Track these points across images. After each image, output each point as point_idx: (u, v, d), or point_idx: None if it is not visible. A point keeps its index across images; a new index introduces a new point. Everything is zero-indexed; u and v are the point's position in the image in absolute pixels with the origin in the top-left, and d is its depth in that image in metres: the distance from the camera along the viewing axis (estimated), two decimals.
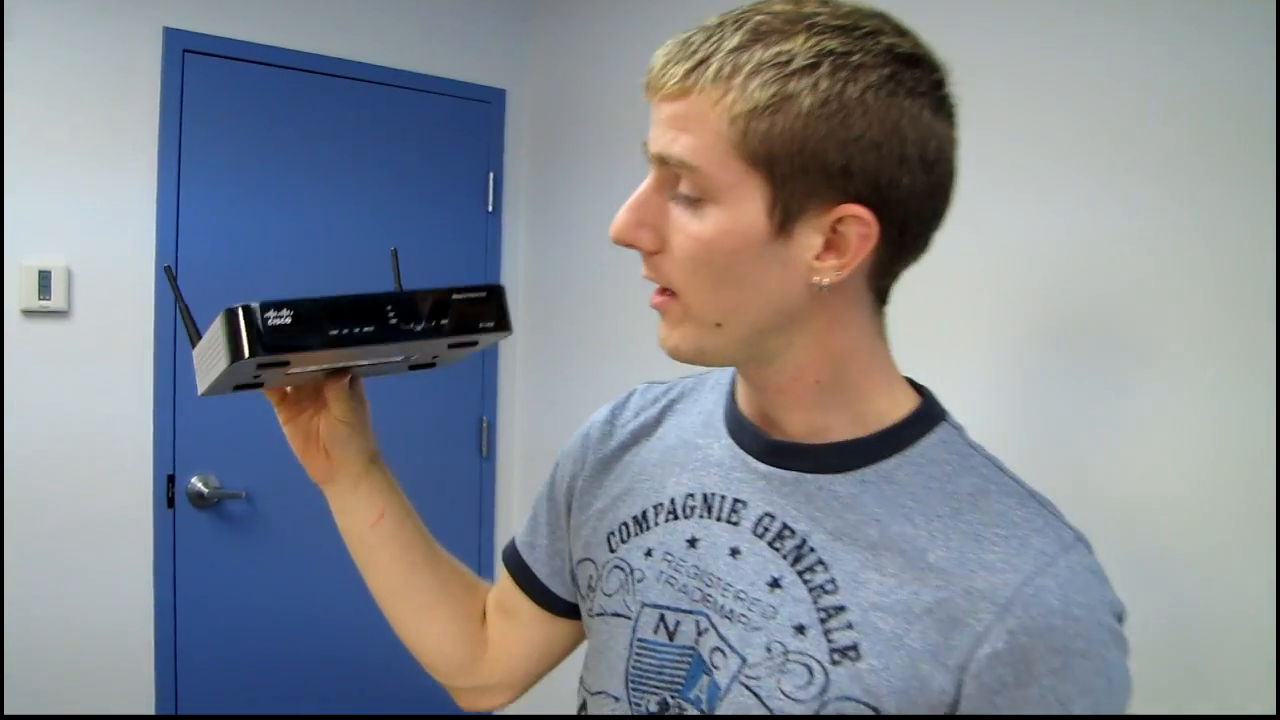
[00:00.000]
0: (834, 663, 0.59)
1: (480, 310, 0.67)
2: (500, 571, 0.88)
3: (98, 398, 2.02)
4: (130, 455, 2.07)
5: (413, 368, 0.76)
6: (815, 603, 0.61)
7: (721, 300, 0.61)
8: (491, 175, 2.54)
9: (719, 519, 0.68)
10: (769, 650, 0.62)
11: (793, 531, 0.64)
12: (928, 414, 0.66)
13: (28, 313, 1.94)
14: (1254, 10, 1.17)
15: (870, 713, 0.58)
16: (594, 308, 2.34)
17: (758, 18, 0.57)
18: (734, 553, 0.66)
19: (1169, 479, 1.27)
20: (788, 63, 0.55)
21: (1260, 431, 1.17)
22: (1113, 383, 1.33)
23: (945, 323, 1.46)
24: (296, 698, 2.26)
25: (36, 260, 1.94)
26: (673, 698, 0.66)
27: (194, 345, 0.72)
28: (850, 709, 0.58)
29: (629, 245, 0.63)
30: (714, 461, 0.71)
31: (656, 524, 0.72)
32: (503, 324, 0.68)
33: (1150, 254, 1.29)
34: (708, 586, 0.67)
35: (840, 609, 0.60)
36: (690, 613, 0.67)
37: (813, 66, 0.55)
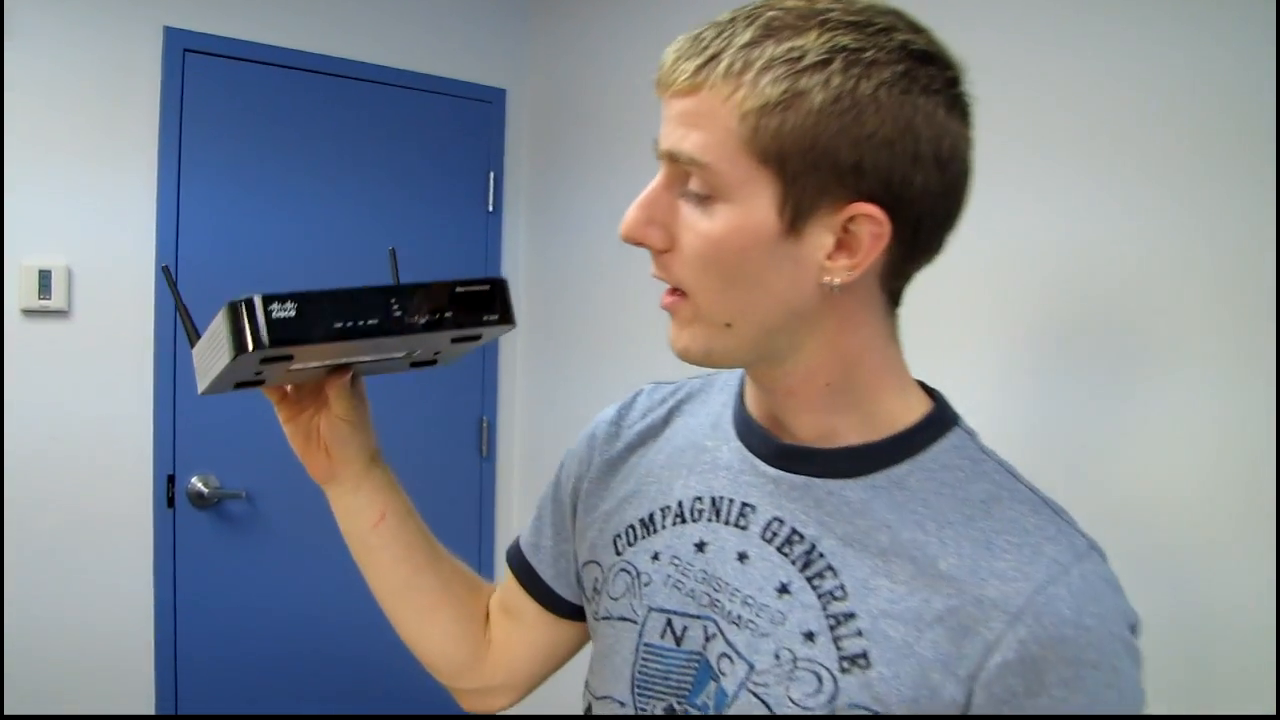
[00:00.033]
0: (843, 670, 0.58)
1: (483, 302, 0.67)
2: (504, 572, 0.88)
3: (98, 398, 2.02)
4: (130, 455, 2.07)
5: (414, 365, 0.76)
6: (824, 609, 0.60)
7: (731, 300, 0.60)
8: (491, 175, 2.54)
9: (727, 523, 0.67)
10: (777, 657, 0.61)
11: (802, 537, 0.63)
12: (940, 418, 0.65)
13: (28, 312, 1.94)
14: (1254, 10, 1.17)
15: None
16: (594, 307, 2.34)
17: (770, 13, 0.57)
18: (742, 557, 0.65)
19: (1169, 478, 1.27)
20: (799, 59, 0.55)
21: (1261, 431, 1.17)
22: (1114, 382, 1.33)
23: (944, 322, 1.46)
24: (296, 698, 2.26)
25: (36, 260, 1.94)
26: (679, 703, 0.66)
27: (193, 345, 0.71)
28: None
29: (638, 243, 0.62)
30: (722, 464, 0.70)
31: (664, 527, 0.71)
32: (506, 316, 0.68)
33: (1150, 254, 1.29)
34: (715, 591, 0.66)
35: (850, 616, 0.59)
36: (698, 618, 0.66)
37: (825, 63, 0.55)
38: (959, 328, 1.49)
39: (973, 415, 0.68)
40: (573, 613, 0.82)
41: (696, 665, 0.66)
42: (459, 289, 0.66)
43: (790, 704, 0.59)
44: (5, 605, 1.90)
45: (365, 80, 2.32)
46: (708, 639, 0.65)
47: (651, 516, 0.73)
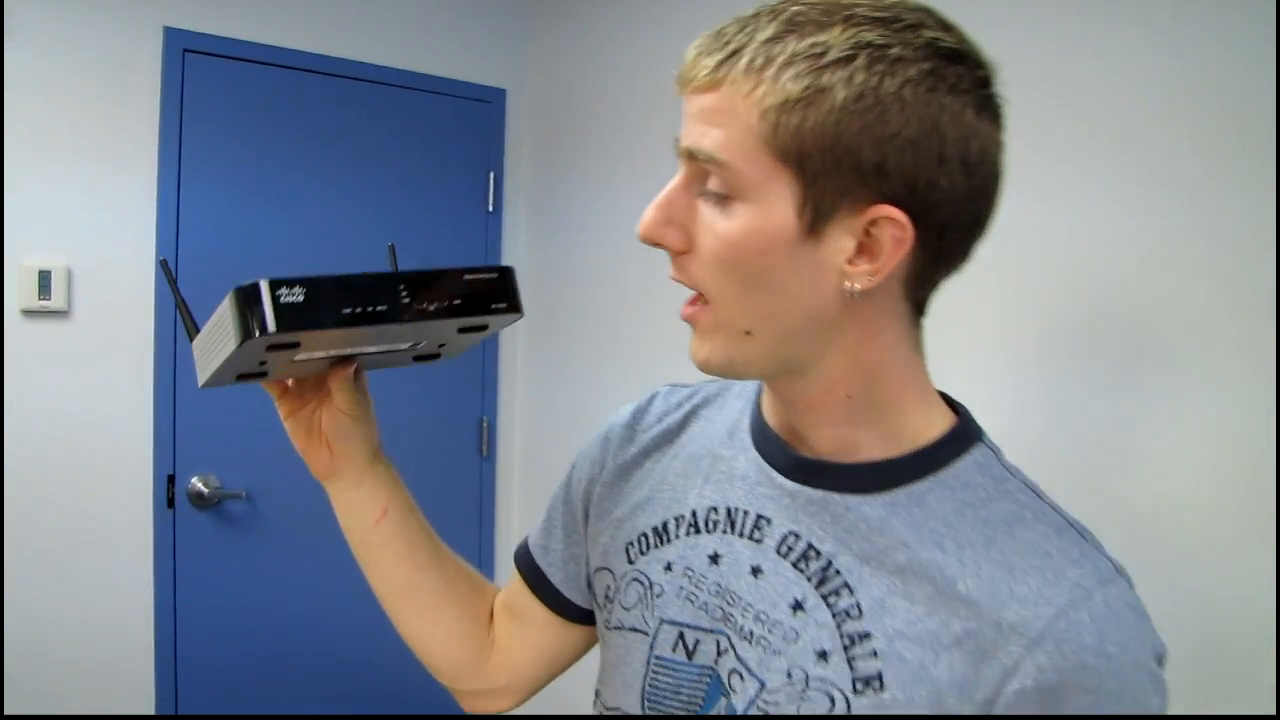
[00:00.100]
0: (856, 692, 0.57)
1: (491, 290, 0.66)
2: (509, 573, 0.87)
3: (98, 398, 2.02)
4: (130, 455, 2.06)
5: (417, 358, 0.75)
6: (839, 628, 0.59)
7: (750, 305, 0.58)
8: (491, 175, 2.54)
9: (741, 535, 0.66)
10: (789, 676, 0.59)
11: (818, 553, 0.61)
12: (963, 434, 0.63)
13: (28, 313, 1.94)
14: (1254, 10, 1.17)
15: None
16: (594, 308, 2.34)
17: (794, 8, 0.55)
18: (756, 571, 0.64)
19: (1172, 478, 1.27)
20: (822, 54, 0.53)
21: (1261, 431, 1.17)
22: (1119, 382, 1.33)
23: (947, 323, 1.45)
24: (296, 698, 2.26)
25: (36, 260, 1.94)
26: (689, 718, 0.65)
27: (192, 338, 0.70)
28: None
29: (655, 244, 0.60)
30: (738, 474, 0.68)
31: (677, 537, 0.70)
32: (514, 305, 0.67)
33: (1151, 254, 1.29)
34: (729, 605, 0.64)
35: (865, 636, 0.58)
36: (710, 631, 0.65)
37: (848, 59, 0.53)
38: (962, 327, 1.49)
39: (975, 416, 0.68)
40: (581, 617, 0.81)
41: (708, 680, 0.64)
42: (468, 276, 0.65)
43: None
44: (5, 605, 1.90)
45: (365, 80, 2.32)
46: (720, 654, 0.64)
47: (665, 525, 0.71)
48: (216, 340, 0.63)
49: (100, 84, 2.00)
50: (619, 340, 2.25)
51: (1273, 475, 1.15)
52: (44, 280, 1.94)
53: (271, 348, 0.61)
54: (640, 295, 2.15)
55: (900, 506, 0.60)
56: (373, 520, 0.79)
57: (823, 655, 0.59)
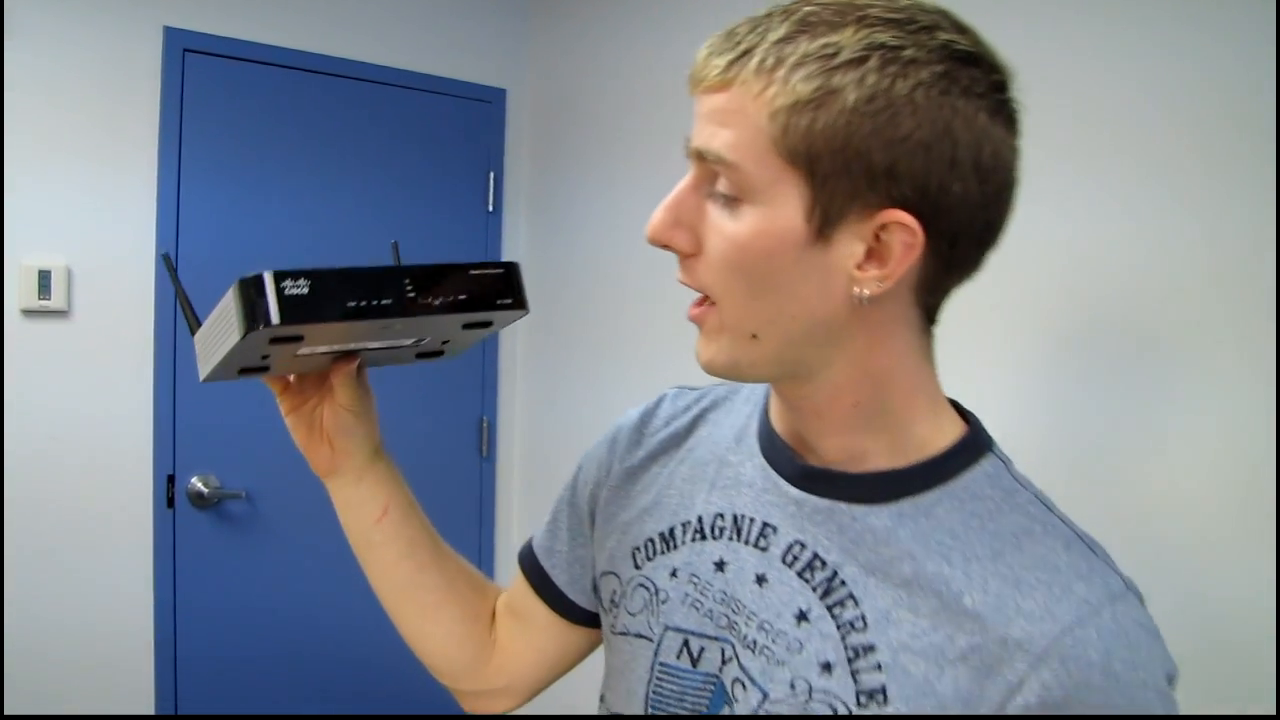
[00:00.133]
0: (860, 705, 0.56)
1: (497, 286, 0.65)
2: (513, 573, 0.86)
3: (98, 397, 2.02)
4: (130, 455, 2.06)
5: (420, 355, 0.74)
6: (843, 640, 0.58)
7: (757, 309, 0.57)
8: (491, 175, 2.54)
9: (747, 543, 0.65)
10: (793, 687, 0.59)
11: (824, 563, 0.61)
12: (973, 444, 0.62)
13: (28, 312, 1.94)
14: (1254, 10, 1.17)
15: None
16: (594, 308, 2.34)
17: (807, 9, 0.54)
18: (760, 580, 0.63)
19: (1171, 479, 1.27)
20: (834, 55, 0.52)
21: (1261, 431, 1.17)
22: (1117, 383, 1.33)
23: (947, 323, 1.45)
24: (296, 698, 2.26)
25: (36, 260, 1.94)
26: None
27: (193, 332, 0.70)
28: None
29: (664, 246, 0.59)
30: (745, 481, 0.68)
31: (683, 543, 0.69)
32: (519, 301, 0.66)
33: (1151, 255, 1.29)
34: (734, 614, 0.64)
35: (870, 648, 0.57)
36: (715, 639, 0.64)
37: (860, 60, 0.52)
38: (961, 329, 1.49)
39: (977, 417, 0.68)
40: (585, 619, 0.80)
41: (712, 688, 0.64)
42: (473, 272, 0.64)
43: None
44: (5, 605, 1.90)
45: (365, 80, 2.32)
46: (724, 662, 0.63)
47: (672, 531, 0.70)
48: (219, 333, 0.62)
49: (100, 84, 2.00)
50: (619, 340, 2.25)
51: (1273, 476, 1.15)
52: (44, 280, 1.94)
53: (275, 341, 0.61)
54: (640, 295, 2.15)
55: (907, 517, 0.59)
56: (373, 518, 0.78)
57: (826, 667, 0.58)
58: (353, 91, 2.32)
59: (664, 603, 0.68)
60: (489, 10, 2.52)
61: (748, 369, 0.61)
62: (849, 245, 0.55)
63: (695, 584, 0.67)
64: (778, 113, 0.53)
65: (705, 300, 0.60)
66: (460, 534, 2.63)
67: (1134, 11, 1.31)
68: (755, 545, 0.65)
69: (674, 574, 0.69)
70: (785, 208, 0.55)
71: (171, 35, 2.07)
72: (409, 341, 0.69)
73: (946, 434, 0.62)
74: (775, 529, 0.64)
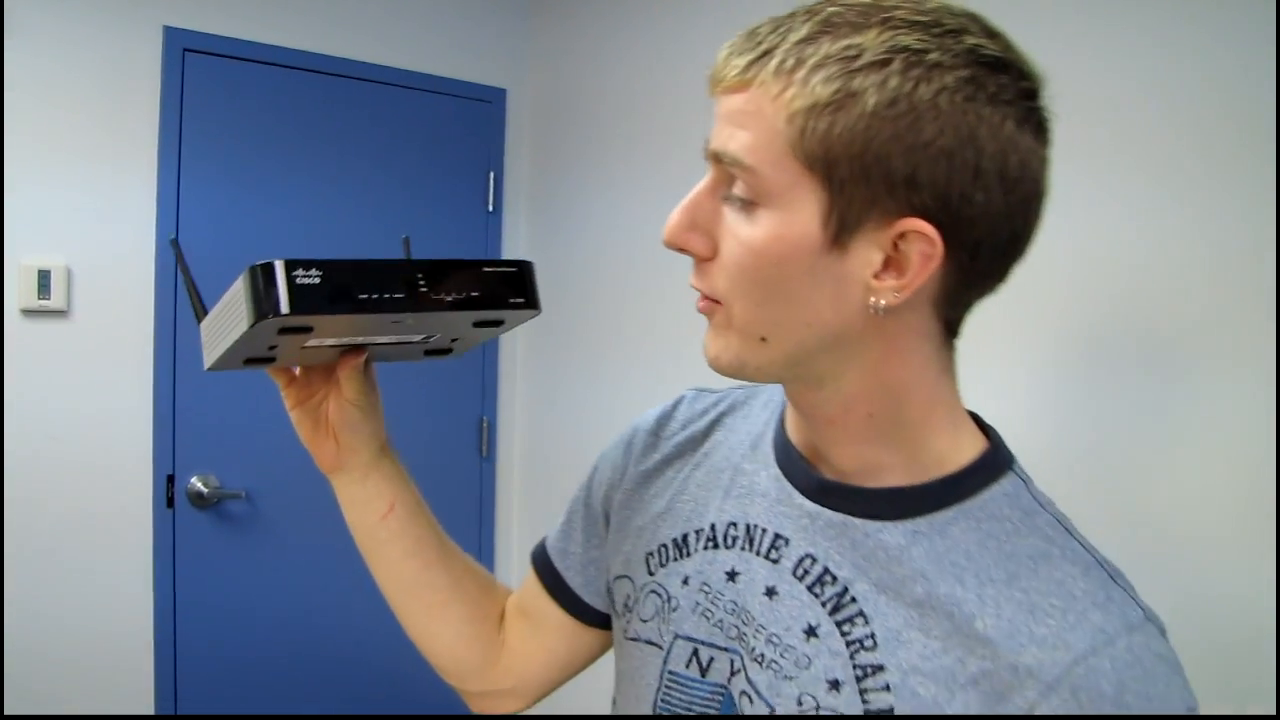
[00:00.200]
0: None
1: (509, 284, 0.65)
2: (525, 573, 0.85)
3: (97, 397, 2.02)
4: (130, 455, 2.06)
5: (428, 353, 0.73)
6: (852, 658, 0.57)
7: (768, 314, 0.56)
8: (491, 175, 2.54)
9: (759, 554, 0.64)
10: (800, 703, 0.58)
11: (835, 578, 0.59)
12: (993, 462, 0.60)
13: (28, 312, 1.94)
14: (1254, 10, 1.17)
15: None
16: (594, 308, 2.34)
17: (831, 9, 0.53)
18: (770, 593, 0.62)
19: (1172, 479, 1.27)
20: (856, 57, 0.50)
21: (1262, 432, 1.17)
22: (1120, 385, 1.33)
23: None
24: (296, 698, 2.26)
25: (36, 260, 1.94)
26: None
27: (199, 320, 0.68)
28: None
29: (680, 250, 0.58)
30: (759, 491, 0.66)
31: (696, 550, 0.68)
32: (531, 301, 0.65)
33: (1152, 257, 1.29)
34: (744, 625, 0.63)
35: (879, 668, 0.56)
36: (725, 650, 0.64)
37: (883, 63, 0.50)
38: (969, 332, 1.49)
39: (983, 419, 0.68)
40: (597, 621, 0.79)
41: (721, 698, 0.63)
42: (486, 269, 0.64)
43: None
44: (5, 605, 1.90)
45: (365, 80, 2.32)
46: (733, 673, 0.62)
47: (685, 538, 0.69)
48: (227, 321, 0.61)
49: (100, 84, 2.00)
50: (619, 340, 2.25)
51: (1273, 476, 1.15)
52: (44, 280, 1.94)
53: (284, 331, 0.60)
54: (641, 295, 2.15)
55: (922, 535, 0.58)
56: (379, 515, 0.77)
57: (834, 685, 0.57)
58: (353, 91, 2.32)
59: (675, 610, 0.68)
60: (489, 10, 2.52)
61: (754, 370, 0.59)
62: (866, 254, 0.53)
63: (706, 593, 0.66)
64: (795, 115, 0.51)
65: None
66: (460, 534, 2.60)
67: (1135, 13, 1.31)
68: (767, 557, 0.63)
69: (686, 581, 0.68)
70: (801, 213, 0.53)
71: (171, 35, 2.07)
72: (418, 338, 0.68)
73: (965, 450, 0.60)
74: (787, 541, 0.63)
